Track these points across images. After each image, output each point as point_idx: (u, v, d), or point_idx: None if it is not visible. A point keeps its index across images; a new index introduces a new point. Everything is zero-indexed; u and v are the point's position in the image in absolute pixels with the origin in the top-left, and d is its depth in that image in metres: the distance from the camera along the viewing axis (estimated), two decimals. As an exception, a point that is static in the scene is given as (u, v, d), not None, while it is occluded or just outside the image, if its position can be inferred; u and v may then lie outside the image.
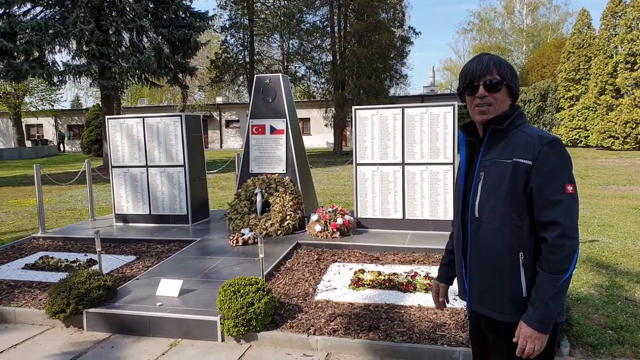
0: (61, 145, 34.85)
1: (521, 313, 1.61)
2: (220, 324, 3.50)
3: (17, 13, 16.06)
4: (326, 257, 4.94)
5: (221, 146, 35.73)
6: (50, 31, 15.04)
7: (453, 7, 68.18)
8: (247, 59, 26.01)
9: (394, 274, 4.25)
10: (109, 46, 16.11)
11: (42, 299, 4.13)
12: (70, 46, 16.41)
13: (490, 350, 1.79)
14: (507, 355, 1.69)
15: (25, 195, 11.84)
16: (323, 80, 26.67)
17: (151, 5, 17.01)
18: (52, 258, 5.19)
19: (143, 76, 17.81)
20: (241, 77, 26.86)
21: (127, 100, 40.79)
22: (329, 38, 25.33)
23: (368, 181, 5.78)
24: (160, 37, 16.86)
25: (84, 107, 39.01)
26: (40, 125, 38.41)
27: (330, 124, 25.72)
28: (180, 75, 18.91)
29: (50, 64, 16.14)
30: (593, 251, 5.40)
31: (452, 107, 5.42)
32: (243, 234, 5.51)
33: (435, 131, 5.47)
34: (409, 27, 25.96)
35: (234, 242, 5.41)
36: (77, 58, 16.47)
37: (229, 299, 3.44)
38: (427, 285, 3.99)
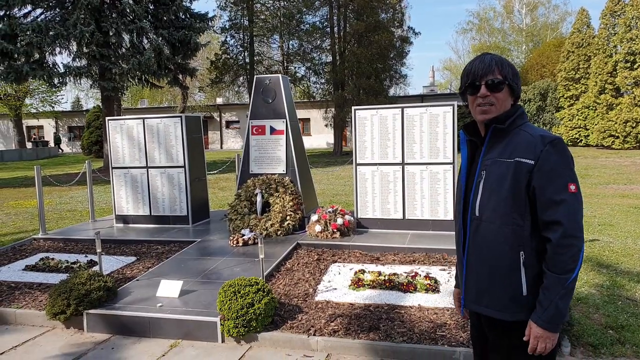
0: (58, 147, 34.89)
1: (521, 312, 1.62)
2: (221, 324, 3.50)
3: (18, 15, 16.09)
4: (326, 257, 4.94)
5: (221, 147, 35.75)
6: (51, 33, 15.07)
7: (452, 7, 68.22)
8: (247, 60, 26.03)
9: (394, 274, 4.25)
10: (109, 47, 16.13)
11: (42, 301, 4.13)
12: (71, 48, 16.45)
13: (490, 350, 1.79)
14: (507, 354, 1.69)
15: (26, 197, 11.86)
16: (323, 80, 26.68)
17: (151, 7, 17.03)
18: (52, 259, 5.19)
19: (143, 77, 17.83)
20: (241, 78, 26.88)
21: (128, 102, 40.80)
22: (328, 38, 25.34)
23: (368, 181, 5.78)
24: (160, 39, 16.88)
25: (84, 109, 39.04)
26: (41, 127, 38.46)
27: (330, 124, 25.73)
28: (180, 76, 18.93)
29: (50, 65, 16.17)
30: (594, 251, 5.39)
31: (452, 106, 5.41)
32: (243, 235, 5.51)
33: (435, 131, 5.47)
34: (408, 27, 26.01)
35: (234, 242, 5.41)
36: (77, 59, 16.49)
37: (229, 300, 3.44)
38: (427, 286, 3.99)
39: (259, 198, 5.84)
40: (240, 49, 26.27)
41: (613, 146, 20.53)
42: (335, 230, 5.40)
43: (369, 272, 4.39)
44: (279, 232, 5.63)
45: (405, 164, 5.61)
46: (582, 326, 3.43)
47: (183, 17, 17.76)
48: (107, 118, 6.87)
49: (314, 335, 3.36)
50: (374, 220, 5.78)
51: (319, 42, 25.94)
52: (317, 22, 25.81)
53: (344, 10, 24.29)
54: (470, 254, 1.71)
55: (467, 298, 1.75)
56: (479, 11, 47.05)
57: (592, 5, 51.16)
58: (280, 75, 6.30)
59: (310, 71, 26.63)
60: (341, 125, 24.85)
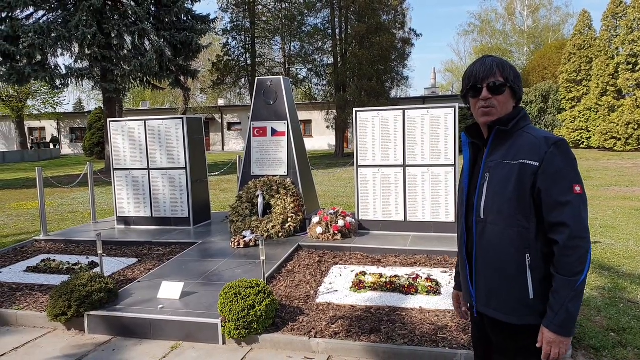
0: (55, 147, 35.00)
1: (529, 315, 1.61)
2: (222, 326, 3.49)
3: (20, 17, 16.16)
4: (327, 259, 4.94)
5: (223, 148, 35.79)
6: (53, 34, 15.12)
7: (454, 9, 68.27)
8: (249, 62, 26.06)
9: (396, 276, 4.24)
10: (111, 49, 16.17)
11: (43, 302, 4.13)
12: (73, 49, 16.50)
13: (495, 352, 1.78)
14: (513, 357, 1.68)
15: (28, 198, 11.88)
16: (324, 82, 26.71)
17: (153, 9, 17.09)
18: (54, 261, 5.19)
19: (145, 79, 17.87)
20: (243, 79, 26.91)
21: (130, 103, 40.91)
22: (330, 40, 25.37)
23: (369, 183, 5.78)
24: (162, 40, 16.92)
25: (86, 110, 39.13)
26: (43, 128, 38.55)
27: (332, 126, 25.74)
28: (182, 78, 18.97)
29: (52, 67, 16.22)
30: (595, 253, 5.38)
31: (453, 108, 5.41)
32: (244, 236, 5.51)
33: (437, 133, 5.47)
34: (410, 29, 26.03)
35: (236, 244, 5.41)
36: (79, 61, 16.54)
37: (230, 302, 3.44)
38: (429, 288, 3.98)
39: (260, 200, 5.85)
40: (242, 50, 26.31)
41: (615, 148, 20.49)
42: (336, 232, 5.40)
43: (370, 274, 4.38)
44: (280, 234, 5.63)
45: (406, 165, 5.61)
46: (583, 329, 3.42)
47: (185, 18, 17.80)
48: (108, 119, 6.88)
49: (315, 337, 3.36)
50: (375, 222, 5.78)
51: (320, 43, 25.97)
52: (319, 24, 25.85)
53: (346, 12, 24.32)
54: (477, 257, 1.70)
55: (478, 301, 1.73)
56: (481, 13, 47.05)
57: (593, 7, 51.24)
58: (281, 76, 6.31)
59: (312, 73, 26.66)
60: (343, 127, 24.87)
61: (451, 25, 73.59)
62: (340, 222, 5.45)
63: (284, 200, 5.76)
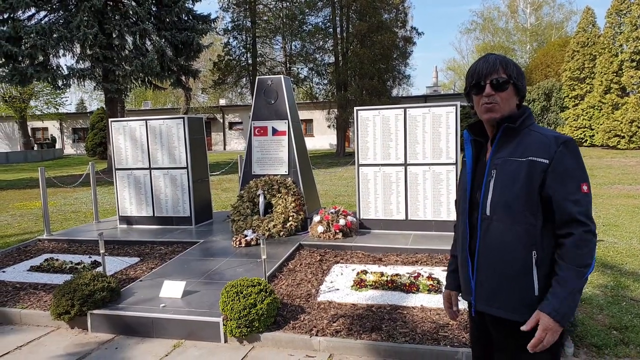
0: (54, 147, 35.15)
1: (533, 312, 1.60)
2: (223, 325, 3.50)
3: (22, 17, 16.21)
4: (329, 258, 4.94)
5: (224, 148, 35.83)
6: (55, 35, 15.17)
7: (456, 7, 68.10)
8: (250, 61, 26.07)
9: (397, 274, 4.24)
10: (113, 49, 16.21)
11: (47, 301, 4.15)
12: (74, 50, 16.55)
13: (496, 350, 1.77)
14: (514, 355, 1.68)
15: (31, 198, 11.93)
16: (326, 81, 26.68)
17: (154, 9, 17.11)
18: (57, 260, 5.22)
19: (146, 79, 17.90)
20: (244, 79, 26.92)
21: (131, 103, 40.98)
22: (331, 39, 25.34)
23: (370, 182, 5.78)
24: (163, 40, 16.95)
25: (88, 110, 39.23)
26: (46, 129, 38.67)
27: (333, 125, 25.73)
28: (183, 78, 18.99)
29: (54, 67, 16.27)
30: (598, 251, 5.37)
31: (455, 107, 5.40)
32: (246, 236, 5.52)
33: (438, 131, 5.46)
34: (411, 27, 25.98)
35: (237, 243, 5.42)
36: (81, 62, 16.59)
37: (232, 300, 3.45)
38: (430, 286, 3.98)
39: (261, 199, 5.86)
40: (243, 50, 26.32)
41: (618, 146, 20.42)
42: (337, 231, 5.40)
43: (371, 272, 4.38)
44: (282, 233, 5.64)
45: (407, 164, 5.61)
46: (585, 327, 3.41)
47: (185, 18, 17.82)
48: (110, 120, 6.90)
49: (317, 335, 3.37)
50: (376, 221, 5.78)
51: (321, 42, 25.95)
52: (320, 23, 25.84)
53: (347, 10, 24.29)
54: (481, 254, 1.70)
55: (479, 299, 1.73)
56: (483, 11, 46.99)
57: (597, 4, 50.92)
58: (282, 76, 6.31)
59: (313, 72, 26.64)
60: (344, 126, 24.85)
61: (453, 23, 73.38)
62: (342, 221, 5.46)
63: (285, 200, 5.77)
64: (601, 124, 21.46)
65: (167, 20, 16.97)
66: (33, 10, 16.32)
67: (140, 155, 6.63)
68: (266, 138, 6.19)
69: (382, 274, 4.27)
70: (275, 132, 6.16)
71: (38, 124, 37.49)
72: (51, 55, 16.10)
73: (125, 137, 6.66)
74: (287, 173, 6.08)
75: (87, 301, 3.78)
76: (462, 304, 3.48)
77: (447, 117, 5.42)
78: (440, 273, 4.36)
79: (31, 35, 14.86)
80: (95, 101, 41.42)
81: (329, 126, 26.88)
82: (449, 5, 69.86)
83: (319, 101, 27.57)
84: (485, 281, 1.70)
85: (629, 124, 19.92)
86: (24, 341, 3.70)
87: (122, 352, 3.48)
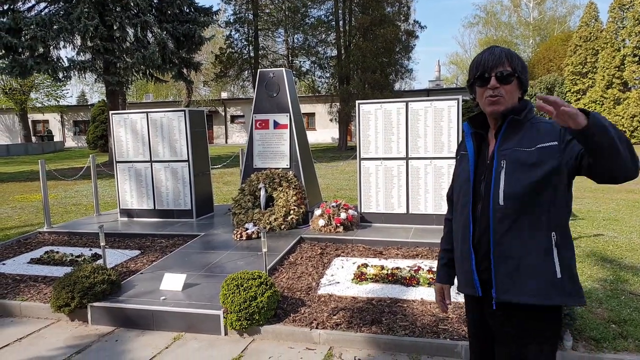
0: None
1: (556, 295, 1.61)
2: (224, 317, 3.51)
3: (22, 9, 16.14)
4: (329, 251, 4.95)
5: (226, 141, 35.80)
6: (55, 27, 15.09)
7: (459, 1, 67.64)
8: (252, 54, 25.94)
9: (397, 268, 4.25)
10: (114, 42, 16.14)
11: (47, 293, 4.17)
12: (75, 42, 16.47)
13: (497, 343, 1.75)
14: (525, 344, 1.66)
15: (32, 191, 11.94)
16: (328, 74, 26.55)
17: (155, 1, 17.01)
18: (57, 252, 5.23)
19: (148, 71, 17.83)
20: (246, 72, 26.81)
21: (133, 96, 40.88)
22: (333, 32, 25.18)
23: (372, 176, 5.76)
24: (165, 32, 16.87)
25: (89, 103, 39.17)
26: (47, 121, 38.65)
27: (335, 119, 25.66)
28: (184, 71, 18.92)
29: (55, 59, 16.21)
30: (598, 245, 5.37)
31: (457, 101, 5.37)
32: (247, 229, 5.52)
33: (440, 125, 5.44)
34: (414, 21, 25.79)
35: (238, 236, 5.43)
36: (81, 54, 16.53)
37: (232, 293, 3.46)
38: (430, 280, 3.98)
39: (262, 192, 5.85)
40: (245, 43, 26.18)
41: (620, 141, 20.35)
42: (338, 224, 5.40)
43: (372, 266, 4.39)
44: (283, 227, 5.64)
45: (409, 158, 5.59)
46: (584, 320, 3.42)
47: (187, 10, 17.73)
48: (110, 112, 6.88)
49: (317, 328, 3.37)
50: (377, 214, 5.77)
51: (324, 36, 25.80)
52: (322, 16, 25.66)
53: (349, 3, 24.12)
54: (497, 244, 1.67)
55: (499, 289, 1.68)
56: (486, 5, 46.64)
57: (600, -1, 50.47)
58: (284, 68, 6.28)
59: (315, 65, 26.51)
60: (346, 120, 24.77)
61: (456, 17, 72.89)
62: (343, 215, 5.46)
63: (286, 193, 5.77)
64: (603, 119, 21.38)
65: (169, 12, 16.88)
66: (33, 1, 16.26)
67: (141, 148, 6.62)
68: (268, 131, 6.17)
69: (382, 268, 4.27)
70: (276, 125, 6.14)
71: (39, 116, 37.45)
72: (51, 47, 16.03)
73: (127, 129, 6.64)
74: (288, 166, 6.07)
75: (88, 294, 3.79)
76: (462, 297, 3.47)
77: (449, 111, 5.40)
78: (441, 267, 4.36)
79: (31, 27, 14.79)
80: (96, 94, 41.39)
81: (331, 120, 26.82)
82: (452, -2, 69.32)
83: (321, 94, 27.49)
84: (504, 270, 1.66)
85: (630, 118, 19.85)
86: (24, 333, 3.72)
87: (122, 344, 3.49)
